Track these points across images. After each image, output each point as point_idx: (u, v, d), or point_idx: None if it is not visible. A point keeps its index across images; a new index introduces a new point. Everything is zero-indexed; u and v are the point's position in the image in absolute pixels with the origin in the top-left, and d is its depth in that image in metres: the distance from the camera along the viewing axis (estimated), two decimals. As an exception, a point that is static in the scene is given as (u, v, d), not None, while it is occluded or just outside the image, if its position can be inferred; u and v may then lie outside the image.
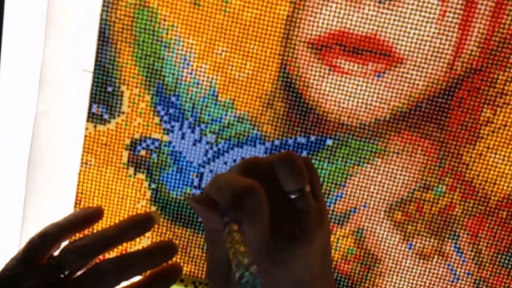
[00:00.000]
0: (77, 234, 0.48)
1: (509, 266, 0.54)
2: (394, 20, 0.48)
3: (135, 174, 0.54)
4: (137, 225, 0.48)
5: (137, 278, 0.48)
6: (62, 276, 0.43)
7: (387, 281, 0.55)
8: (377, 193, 0.53)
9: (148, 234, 0.55)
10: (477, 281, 0.55)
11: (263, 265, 0.33)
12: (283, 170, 0.34)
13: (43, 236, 0.44)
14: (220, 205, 0.33)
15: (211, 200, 0.34)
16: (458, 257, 0.54)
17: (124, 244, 0.55)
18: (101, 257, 0.54)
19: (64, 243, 0.46)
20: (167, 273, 0.48)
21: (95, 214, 0.49)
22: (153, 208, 0.54)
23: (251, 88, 0.51)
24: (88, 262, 0.45)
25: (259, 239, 0.32)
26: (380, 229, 0.54)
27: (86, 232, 0.53)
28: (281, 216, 0.33)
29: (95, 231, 0.54)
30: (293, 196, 0.34)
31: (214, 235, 0.34)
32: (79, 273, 0.44)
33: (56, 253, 0.45)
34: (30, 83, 0.53)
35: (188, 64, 0.50)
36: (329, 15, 0.48)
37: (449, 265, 0.54)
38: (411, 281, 0.55)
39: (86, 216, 0.48)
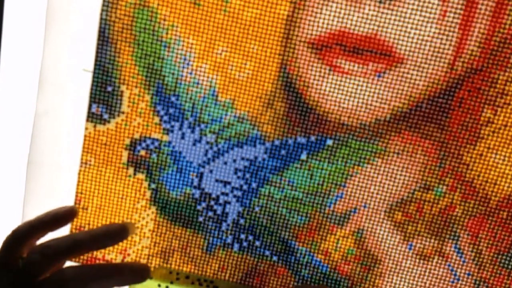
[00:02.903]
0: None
1: (510, 267, 0.54)
2: (395, 20, 0.48)
3: (134, 174, 0.54)
4: (110, 233, 0.47)
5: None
6: (31, 278, 0.42)
7: (387, 281, 0.55)
8: (377, 194, 0.53)
9: (147, 234, 0.55)
10: (477, 282, 0.55)
11: None
12: None
13: (14, 234, 0.43)
14: None
15: None
16: (458, 258, 0.54)
17: (125, 244, 0.55)
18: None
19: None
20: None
21: (67, 214, 0.48)
22: (153, 208, 0.54)
23: (251, 88, 0.51)
24: (52, 264, 0.43)
25: None
26: (380, 230, 0.54)
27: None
28: None
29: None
30: None
31: None
32: (43, 276, 0.43)
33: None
34: (30, 83, 0.53)
35: (188, 64, 0.50)
36: (329, 15, 0.48)
37: (449, 265, 0.54)
38: (411, 281, 0.55)
39: (58, 215, 0.47)
